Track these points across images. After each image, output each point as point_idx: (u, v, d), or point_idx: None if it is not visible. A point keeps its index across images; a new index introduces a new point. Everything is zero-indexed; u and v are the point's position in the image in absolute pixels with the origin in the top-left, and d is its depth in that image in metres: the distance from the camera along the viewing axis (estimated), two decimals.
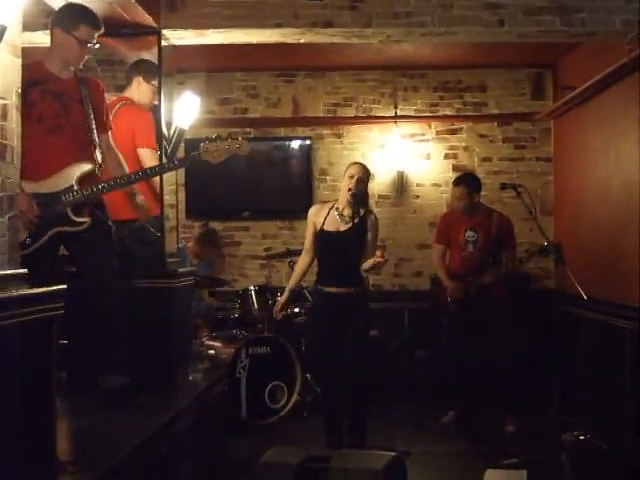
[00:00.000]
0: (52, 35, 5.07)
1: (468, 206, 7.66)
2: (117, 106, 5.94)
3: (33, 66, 4.92)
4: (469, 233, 7.62)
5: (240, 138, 5.19)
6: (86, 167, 5.02)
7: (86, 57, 5.11)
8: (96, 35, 5.02)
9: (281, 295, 6.92)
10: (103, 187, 5.05)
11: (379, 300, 6.65)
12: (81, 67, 5.15)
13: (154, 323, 5.72)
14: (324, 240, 6.42)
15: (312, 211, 6.59)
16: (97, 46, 5.07)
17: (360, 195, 6.33)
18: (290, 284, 6.77)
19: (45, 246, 4.90)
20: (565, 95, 8.58)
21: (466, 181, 7.79)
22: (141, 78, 6.18)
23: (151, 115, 6.19)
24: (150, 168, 5.28)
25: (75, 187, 4.95)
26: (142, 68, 6.23)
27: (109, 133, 5.31)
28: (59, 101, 5.01)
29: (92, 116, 5.09)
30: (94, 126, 5.11)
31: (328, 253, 6.42)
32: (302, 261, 6.68)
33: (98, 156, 5.10)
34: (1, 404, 3.21)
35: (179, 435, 4.90)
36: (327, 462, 4.84)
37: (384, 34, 6.52)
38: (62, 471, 3.74)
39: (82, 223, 4.98)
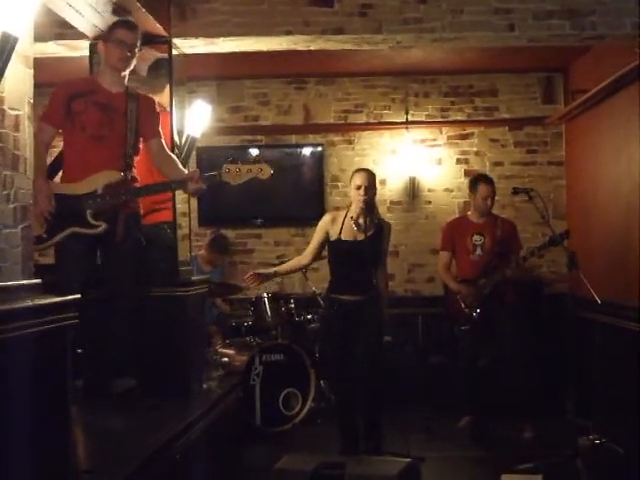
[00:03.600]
0: (100, 52, 5.34)
1: (490, 208, 7.66)
2: None
3: (85, 80, 5.34)
4: (476, 237, 7.61)
5: (263, 163, 5.31)
6: (114, 176, 5.17)
7: (134, 61, 5.26)
8: (136, 37, 5.20)
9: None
10: (122, 194, 5.20)
11: (392, 306, 6.63)
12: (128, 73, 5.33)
13: (168, 331, 5.74)
14: (341, 249, 6.41)
15: (327, 219, 6.57)
16: (141, 50, 5.33)
17: (370, 202, 6.37)
18: (278, 269, 6.87)
19: (67, 246, 5.10)
20: (576, 99, 8.58)
21: (493, 182, 7.80)
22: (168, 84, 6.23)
23: None
24: (173, 182, 5.36)
25: (99, 192, 5.11)
26: (166, 72, 6.24)
27: (162, 138, 5.45)
28: (104, 112, 5.19)
29: (134, 130, 5.25)
30: (133, 140, 5.27)
31: (345, 262, 6.41)
32: (298, 261, 6.76)
33: (125, 166, 5.24)
34: (16, 413, 3.22)
35: (194, 443, 4.90)
36: (342, 469, 4.84)
37: (394, 40, 6.52)
38: None
39: (97, 227, 5.11)
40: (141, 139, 5.38)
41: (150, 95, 6.14)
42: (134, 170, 5.33)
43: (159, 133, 5.45)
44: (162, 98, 6.21)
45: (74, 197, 5.10)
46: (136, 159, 5.37)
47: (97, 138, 5.16)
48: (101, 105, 5.19)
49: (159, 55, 6.38)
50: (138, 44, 5.23)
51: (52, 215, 5.01)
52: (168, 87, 6.23)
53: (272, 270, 6.86)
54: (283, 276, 7.05)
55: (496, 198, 7.86)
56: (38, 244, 4.91)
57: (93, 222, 5.10)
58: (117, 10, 5.54)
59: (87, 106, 5.15)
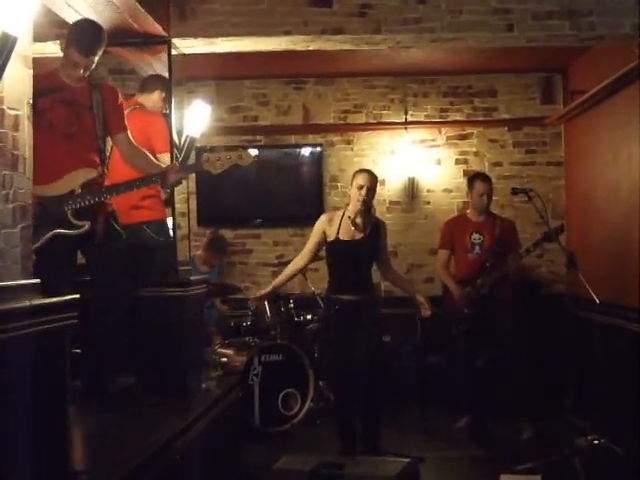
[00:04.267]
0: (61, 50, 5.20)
1: (487, 206, 7.67)
2: (127, 110, 5.95)
3: (48, 75, 5.10)
4: (475, 236, 7.62)
5: (242, 149, 5.30)
6: (91, 173, 5.13)
7: (90, 68, 5.11)
8: (91, 60, 5.02)
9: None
10: (104, 192, 5.16)
11: (391, 306, 6.63)
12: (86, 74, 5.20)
13: (167, 332, 5.73)
14: (339, 249, 6.41)
15: (323, 219, 6.57)
16: (85, 73, 5.09)
17: (370, 203, 6.40)
18: (276, 281, 6.80)
19: (50, 249, 4.98)
20: (575, 99, 8.59)
21: (491, 181, 7.82)
22: (164, 93, 6.25)
23: (164, 119, 6.24)
24: (154, 175, 5.31)
25: (77, 191, 5.06)
26: (164, 83, 6.27)
27: (128, 132, 5.39)
28: (70, 109, 5.11)
29: (101, 122, 5.19)
30: (102, 133, 5.22)
31: (343, 262, 6.41)
32: (296, 264, 6.69)
33: (98, 161, 5.21)
34: (14, 414, 3.22)
35: (193, 443, 4.90)
36: (341, 469, 4.85)
37: (393, 40, 6.51)
38: None
39: (81, 226, 5.06)
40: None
41: (137, 94, 6.18)
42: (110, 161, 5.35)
43: (125, 127, 5.38)
44: (144, 98, 6.27)
45: (52, 198, 5.01)
46: (111, 155, 5.37)
47: (67, 136, 5.09)
48: (67, 102, 5.11)
49: (155, 66, 6.42)
50: (95, 60, 5.05)
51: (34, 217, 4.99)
52: (158, 91, 6.26)
53: (270, 286, 6.83)
54: (284, 285, 6.97)
55: (495, 198, 7.88)
56: None
57: (76, 222, 5.05)
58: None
59: (53, 104, 5.06)
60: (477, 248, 7.61)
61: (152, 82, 6.34)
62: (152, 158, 5.53)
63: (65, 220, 5.03)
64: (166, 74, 6.28)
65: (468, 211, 7.91)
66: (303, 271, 8.01)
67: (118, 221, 5.35)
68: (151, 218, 6.07)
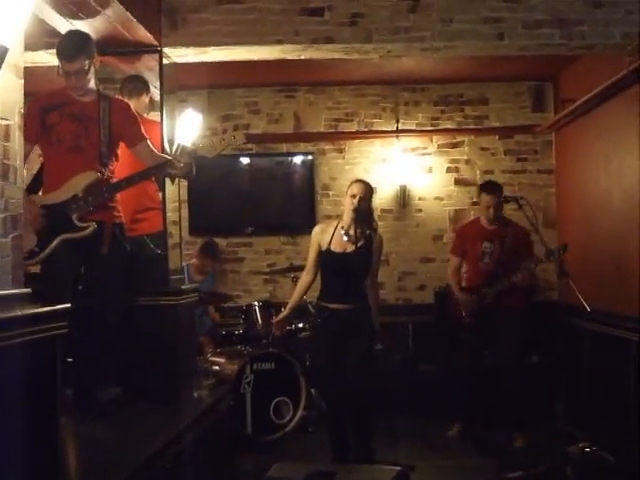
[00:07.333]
0: None
1: (496, 216, 7.66)
2: None
3: (56, 92, 5.25)
4: (486, 244, 7.61)
5: (234, 132, 5.45)
6: (90, 176, 5.17)
7: (90, 75, 5.17)
8: (80, 63, 5.05)
9: (283, 311, 7.01)
10: (105, 191, 5.22)
11: (383, 314, 6.62)
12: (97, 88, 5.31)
13: (158, 340, 5.74)
14: (330, 260, 6.42)
15: (317, 230, 6.59)
16: (80, 82, 5.14)
17: (363, 213, 6.36)
18: (291, 303, 6.81)
19: (57, 257, 5.06)
20: (566, 107, 8.60)
21: (498, 190, 7.76)
22: (150, 96, 6.27)
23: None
24: (152, 167, 5.37)
25: (80, 195, 5.12)
26: (146, 84, 6.30)
27: (147, 140, 5.44)
28: (79, 123, 5.20)
29: (106, 130, 5.23)
30: (106, 140, 5.24)
31: (334, 273, 6.42)
32: (304, 281, 6.69)
33: (99, 166, 5.22)
34: (6, 423, 3.22)
35: (184, 451, 4.90)
36: (332, 477, 4.85)
37: (384, 49, 6.53)
38: None
39: (85, 228, 5.12)
40: (122, 144, 5.40)
41: (125, 97, 6.19)
42: (110, 169, 5.31)
43: (143, 136, 5.44)
44: (138, 105, 6.21)
45: (57, 205, 5.11)
46: (115, 163, 5.37)
47: (74, 149, 5.18)
48: (75, 116, 5.20)
49: (147, 75, 6.43)
50: (86, 64, 5.09)
51: (42, 227, 5.05)
52: (145, 94, 6.29)
53: (287, 309, 6.87)
54: (299, 303, 7.00)
55: None
56: (32, 258, 4.96)
57: (80, 224, 5.12)
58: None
59: (61, 118, 5.17)
60: (487, 257, 7.60)
61: (138, 86, 6.33)
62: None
63: (70, 224, 5.10)
64: (157, 83, 6.30)
65: (482, 216, 7.88)
66: (293, 279, 8.07)
67: (125, 234, 5.41)
68: (152, 230, 6.10)
